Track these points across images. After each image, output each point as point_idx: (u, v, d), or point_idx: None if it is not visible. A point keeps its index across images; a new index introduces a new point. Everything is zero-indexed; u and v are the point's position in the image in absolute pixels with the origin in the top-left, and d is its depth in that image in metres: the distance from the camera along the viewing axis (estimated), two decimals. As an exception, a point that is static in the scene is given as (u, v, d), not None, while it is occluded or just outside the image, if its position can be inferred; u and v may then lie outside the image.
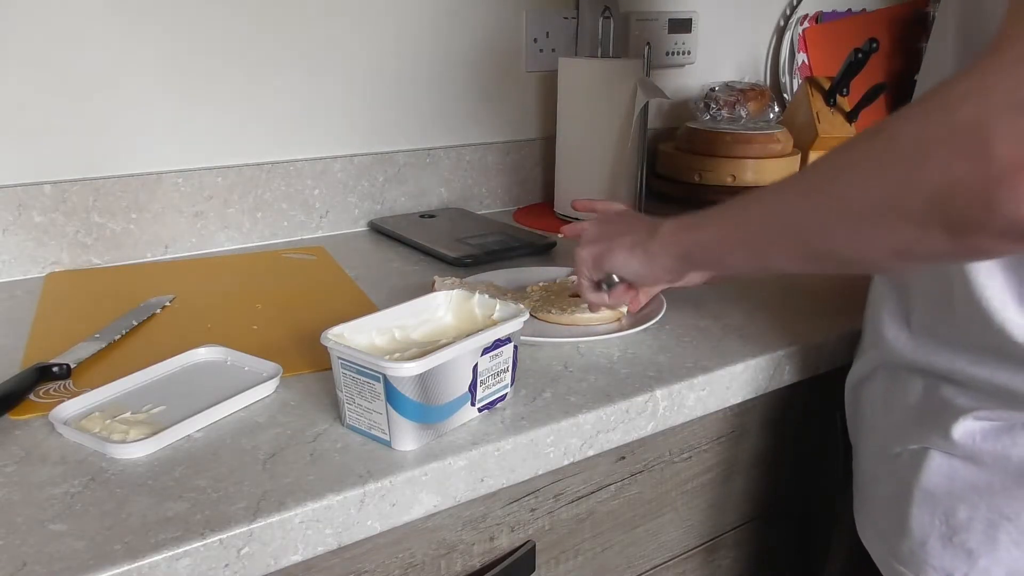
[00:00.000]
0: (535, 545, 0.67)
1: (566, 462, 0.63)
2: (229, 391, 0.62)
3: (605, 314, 0.77)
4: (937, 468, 0.58)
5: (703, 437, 0.76)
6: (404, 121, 1.15)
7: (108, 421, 0.58)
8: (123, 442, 0.56)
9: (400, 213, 1.16)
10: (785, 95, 1.53)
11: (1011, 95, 0.38)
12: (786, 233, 0.53)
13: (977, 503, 0.56)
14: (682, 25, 1.38)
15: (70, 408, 0.60)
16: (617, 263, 0.68)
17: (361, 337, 0.61)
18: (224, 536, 0.48)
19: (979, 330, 0.54)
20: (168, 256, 1.01)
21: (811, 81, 1.35)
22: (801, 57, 1.51)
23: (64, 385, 0.65)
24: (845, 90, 1.32)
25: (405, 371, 0.54)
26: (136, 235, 0.98)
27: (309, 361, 0.69)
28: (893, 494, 0.61)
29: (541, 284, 0.86)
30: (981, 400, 0.56)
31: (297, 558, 0.52)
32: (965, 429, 0.56)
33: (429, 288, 0.82)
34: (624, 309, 0.78)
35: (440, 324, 0.66)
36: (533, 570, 0.68)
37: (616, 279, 0.70)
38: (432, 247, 1.00)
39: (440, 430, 0.58)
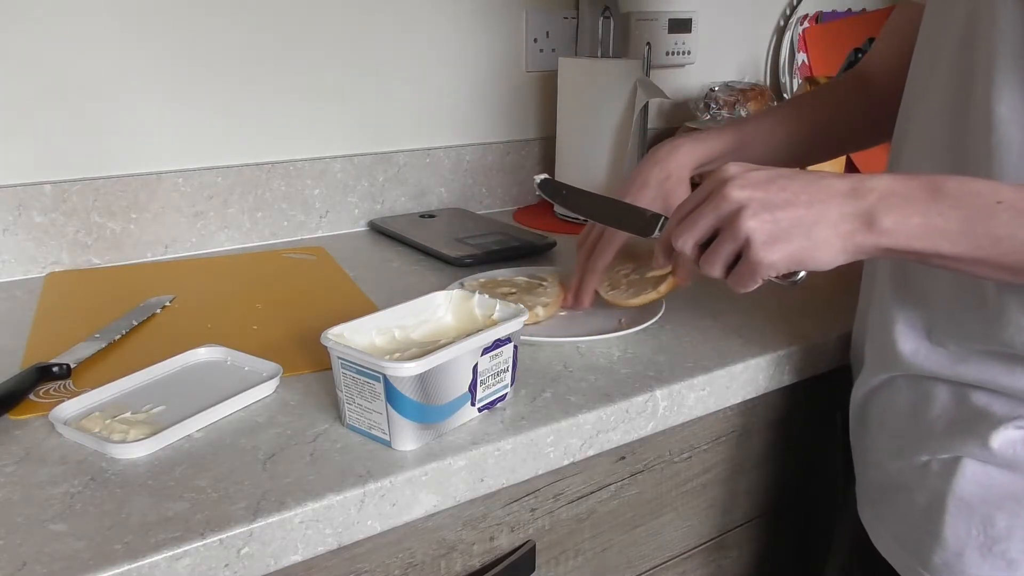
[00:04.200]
0: (535, 545, 0.67)
1: (566, 462, 0.63)
2: (229, 391, 0.62)
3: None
4: (972, 476, 0.56)
5: (703, 437, 0.76)
6: (404, 121, 1.15)
7: (108, 421, 0.58)
8: (123, 442, 0.56)
9: (400, 213, 1.16)
10: (785, 95, 1.53)
11: None
12: None
13: (1017, 511, 0.54)
14: (682, 25, 1.38)
15: (70, 408, 0.60)
16: (824, 261, 0.52)
17: (361, 337, 0.61)
18: (224, 536, 0.48)
19: (1014, 340, 0.53)
20: (168, 256, 1.01)
21: (811, 81, 1.35)
22: (801, 57, 1.51)
23: (64, 385, 0.65)
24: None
25: (405, 371, 0.54)
26: (136, 235, 0.98)
27: (309, 361, 0.69)
28: (922, 504, 0.59)
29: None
30: (1019, 408, 0.55)
31: (297, 558, 0.52)
32: (1005, 438, 0.54)
33: (429, 288, 0.82)
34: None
35: (440, 324, 0.66)
36: (533, 570, 0.68)
37: (803, 274, 0.55)
38: (432, 247, 1.00)
39: (440, 430, 0.58)
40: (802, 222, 0.51)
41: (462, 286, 0.81)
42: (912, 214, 0.49)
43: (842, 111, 0.81)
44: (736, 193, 0.53)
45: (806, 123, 0.80)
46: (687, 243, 0.56)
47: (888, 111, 0.70)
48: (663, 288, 0.76)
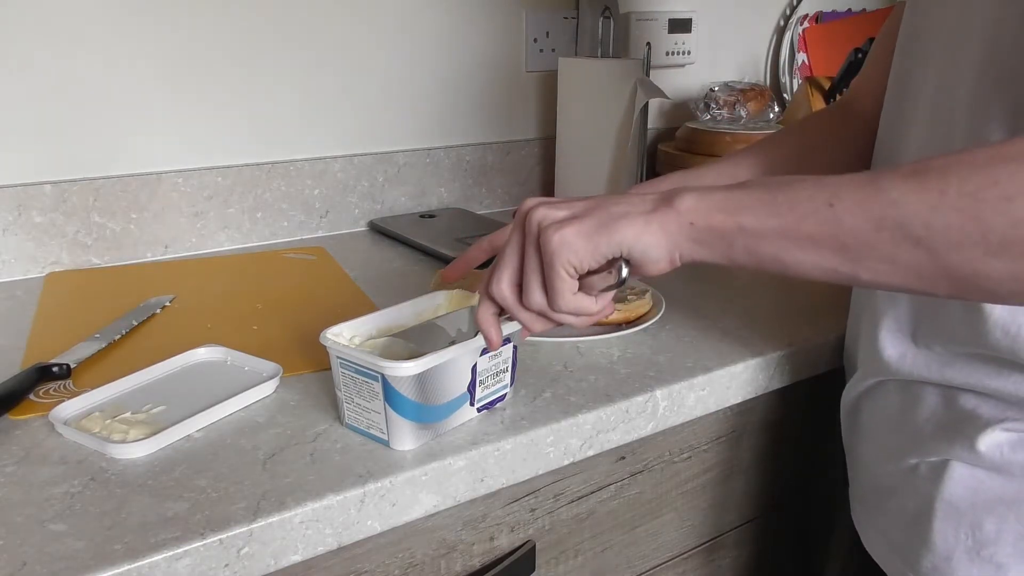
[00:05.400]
0: (535, 545, 0.67)
1: (566, 462, 0.63)
2: (229, 391, 0.62)
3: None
4: (960, 480, 0.55)
5: (703, 437, 0.76)
6: (404, 121, 1.15)
7: (108, 421, 0.58)
8: (123, 442, 0.56)
9: (400, 213, 1.16)
10: (785, 95, 1.53)
11: None
12: (905, 245, 0.42)
13: (1005, 515, 0.54)
14: (682, 25, 1.38)
15: (70, 408, 0.60)
16: (629, 235, 0.48)
17: (360, 337, 0.61)
18: (224, 536, 0.48)
19: (1000, 343, 0.52)
20: (168, 256, 1.01)
21: (811, 81, 1.35)
22: (801, 57, 1.51)
23: (64, 385, 0.65)
24: (845, 90, 1.32)
25: (403, 371, 0.54)
26: (136, 235, 0.98)
27: (309, 361, 0.69)
28: (911, 508, 0.59)
29: None
30: (1007, 410, 0.54)
31: (297, 558, 0.52)
32: (992, 440, 0.54)
33: (429, 288, 0.82)
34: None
35: (440, 324, 0.66)
36: (533, 570, 0.68)
37: (626, 270, 0.49)
38: (432, 247, 1.00)
39: (439, 430, 0.58)
40: (599, 205, 0.50)
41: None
42: (713, 193, 0.48)
43: (820, 145, 0.76)
44: (529, 202, 0.53)
45: (777, 161, 0.75)
46: (500, 282, 0.52)
47: (873, 139, 0.69)
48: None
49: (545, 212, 0.50)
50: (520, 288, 0.52)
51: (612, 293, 0.52)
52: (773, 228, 0.45)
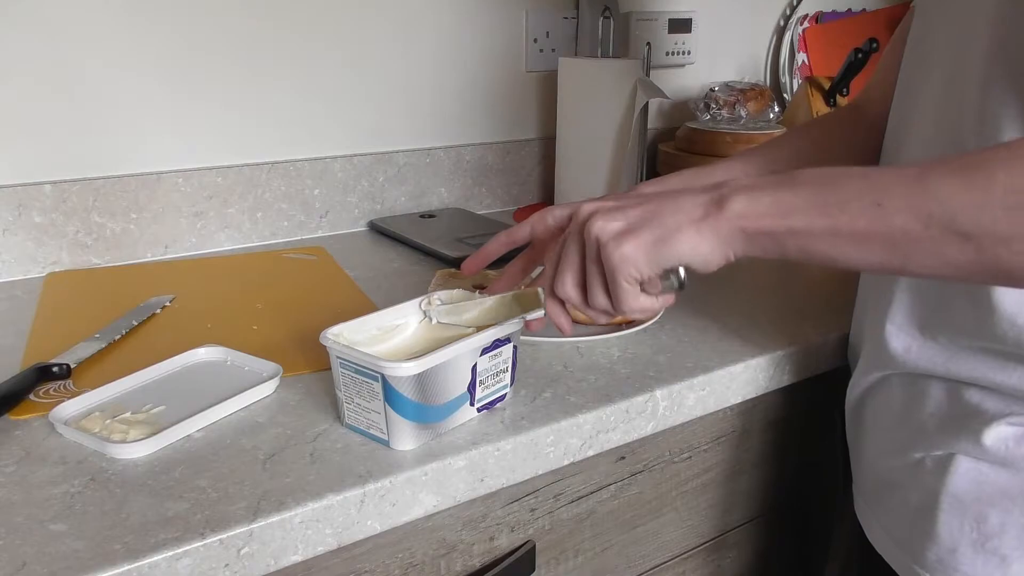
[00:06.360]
0: (535, 545, 0.67)
1: (566, 462, 0.63)
2: (229, 391, 0.62)
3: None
4: (965, 473, 0.56)
5: (703, 437, 0.76)
6: (404, 121, 1.15)
7: (108, 421, 0.58)
8: (123, 442, 0.56)
9: (400, 213, 1.16)
10: (785, 95, 1.53)
11: None
12: (954, 241, 0.43)
13: (1010, 508, 0.54)
14: (682, 25, 1.38)
15: (70, 408, 0.60)
16: (685, 249, 0.50)
17: (360, 337, 0.61)
18: (224, 536, 0.48)
19: (1006, 336, 0.53)
20: (168, 256, 1.01)
21: (811, 81, 1.35)
22: (801, 57, 1.51)
23: (64, 385, 0.65)
24: (845, 90, 1.32)
25: (403, 371, 0.54)
26: (136, 235, 0.98)
27: (309, 361, 0.69)
28: (916, 501, 0.59)
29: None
30: (1012, 404, 0.55)
31: (297, 558, 0.52)
32: (997, 434, 0.54)
33: (429, 288, 0.82)
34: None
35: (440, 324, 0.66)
36: (533, 570, 0.68)
37: (684, 274, 0.53)
38: (432, 247, 1.00)
39: (438, 430, 0.58)
40: (653, 214, 0.52)
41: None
42: (763, 196, 0.49)
43: (827, 148, 0.76)
44: (586, 208, 0.55)
45: (782, 163, 0.74)
46: (565, 284, 0.56)
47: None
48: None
49: (602, 225, 0.53)
50: (583, 288, 0.56)
51: (673, 291, 0.55)
52: (824, 228, 0.47)
